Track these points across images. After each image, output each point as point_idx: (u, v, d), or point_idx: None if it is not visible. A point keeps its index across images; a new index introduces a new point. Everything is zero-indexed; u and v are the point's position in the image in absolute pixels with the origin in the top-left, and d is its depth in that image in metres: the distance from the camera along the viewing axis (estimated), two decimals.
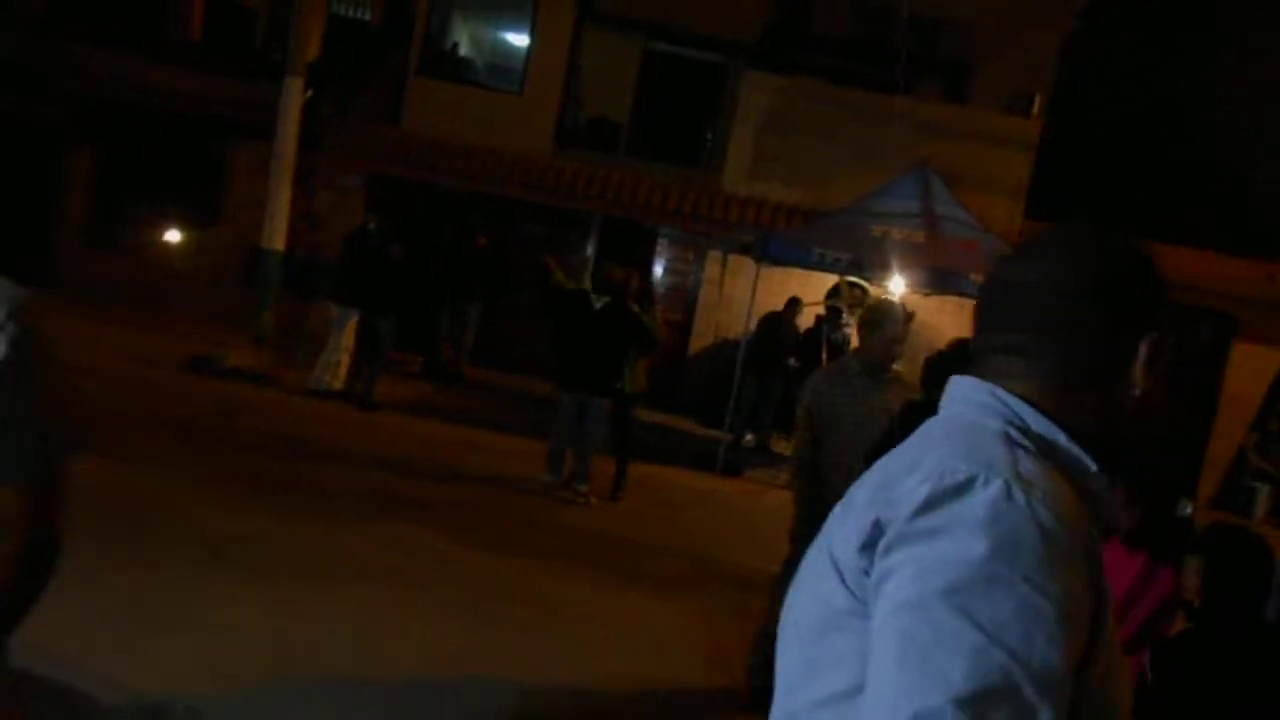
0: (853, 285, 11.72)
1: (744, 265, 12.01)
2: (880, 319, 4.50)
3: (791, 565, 4.44)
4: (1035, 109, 13.48)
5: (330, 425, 8.86)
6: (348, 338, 9.88)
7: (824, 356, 11.10)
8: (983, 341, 1.17)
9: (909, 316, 4.79)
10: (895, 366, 4.60)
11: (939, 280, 9.78)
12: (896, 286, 10.53)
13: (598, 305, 7.61)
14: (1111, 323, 1.11)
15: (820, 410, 4.45)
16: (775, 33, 19.10)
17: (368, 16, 15.44)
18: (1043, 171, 13.13)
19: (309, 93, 11.52)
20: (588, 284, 8.41)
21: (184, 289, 12.67)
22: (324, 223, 12.41)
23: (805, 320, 11.48)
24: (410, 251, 10.12)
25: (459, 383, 11.83)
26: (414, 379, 11.69)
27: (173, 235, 13.45)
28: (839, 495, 3.74)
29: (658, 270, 13.62)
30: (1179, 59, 16.18)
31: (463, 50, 15.54)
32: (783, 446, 11.48)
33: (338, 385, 9.90)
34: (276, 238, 11.10)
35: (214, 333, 11.19)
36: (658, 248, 13.70)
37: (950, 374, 1.21)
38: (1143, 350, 1.12)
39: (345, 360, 9.94)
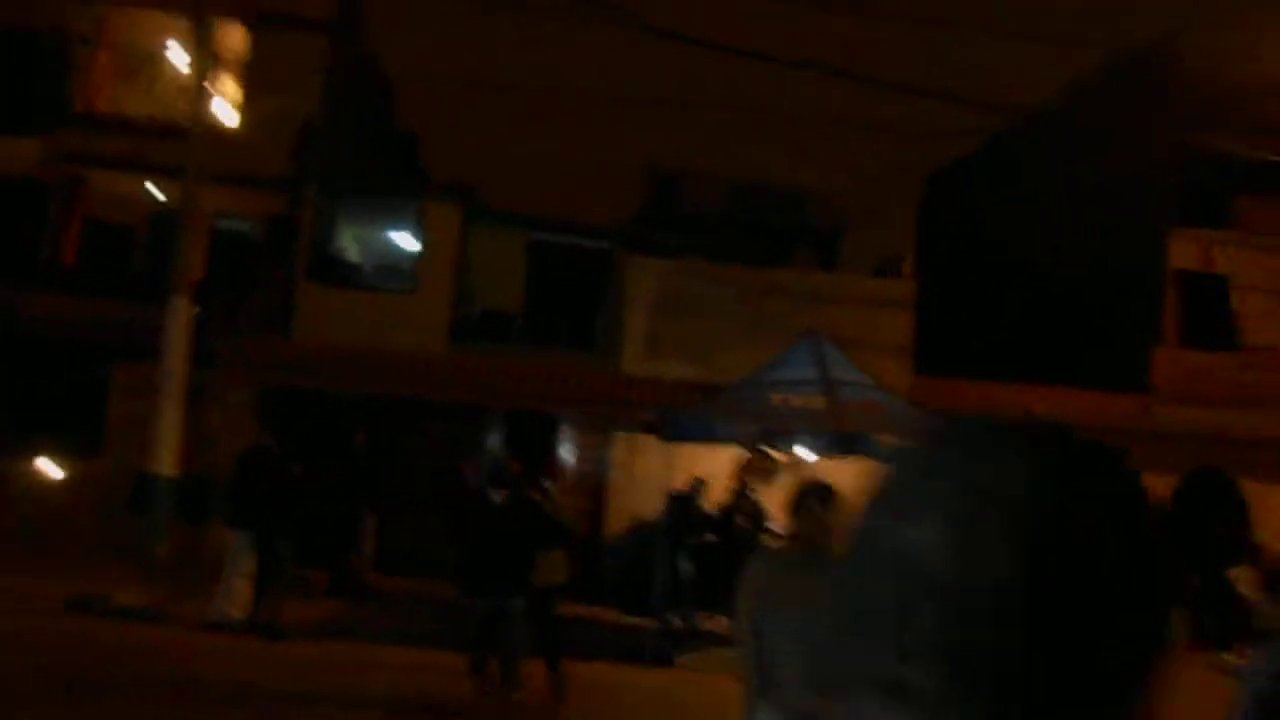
0: (761, 455, 11.87)
1: (650, 444, 12.06)
2: (800, 500, 4.48)
3: None
4: (906, 269, 14.29)
5: (233, 662, 8.24)
6: (248, 563, 9.36)
7: (743, 527, 11.10)
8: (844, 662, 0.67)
9: (828, 493, 4.76)
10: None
11: (844, 443, 9.96)
12: (804, 453, 10.70)
13: (497, 500, 7.44)
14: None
15: (762, 603, 4.35)
16: (650, 215, 20.03)
17: (249, 228, 15.48)
18: (922, 328, 13.81)
19: (196, 309, 11.33)
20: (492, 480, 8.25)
21: (64, 524, 11.90)
22: (216, 442, 11.97)
23: (718, 495, 11.49)
24: (306, 464, 9.82)
25: (366, 594, 11.27)
26: (319, 597, 11.07)
27: (48, 467, 12.72)
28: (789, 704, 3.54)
29: (565, 457, 13.53)
30: (1026, 210, 17.55)
31: (350, 255, 15.68)
32: (712, 625, 11.24)
33: (239, 614, 9.29)
34: (167, 461, 10.61)
35: (100, 569, 10.43)
36: (562, 435, 13.66)
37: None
38: None
39: (246, 587, 9.38)
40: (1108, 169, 15.61)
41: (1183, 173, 14.71)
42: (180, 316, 10.88)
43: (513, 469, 7.61)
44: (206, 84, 11.54)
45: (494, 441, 13.58)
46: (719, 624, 11.23)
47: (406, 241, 15.24)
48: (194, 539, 11.14)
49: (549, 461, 11.18)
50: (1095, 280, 15.64)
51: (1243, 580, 11.14)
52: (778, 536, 11.16)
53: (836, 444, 9.81)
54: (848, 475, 7.25)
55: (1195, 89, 14.01)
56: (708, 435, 9.87)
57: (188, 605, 9.63)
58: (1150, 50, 15.07)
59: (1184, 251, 14.93)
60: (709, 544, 11.30)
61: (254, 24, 15.03)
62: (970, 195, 19.73)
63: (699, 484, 11.33)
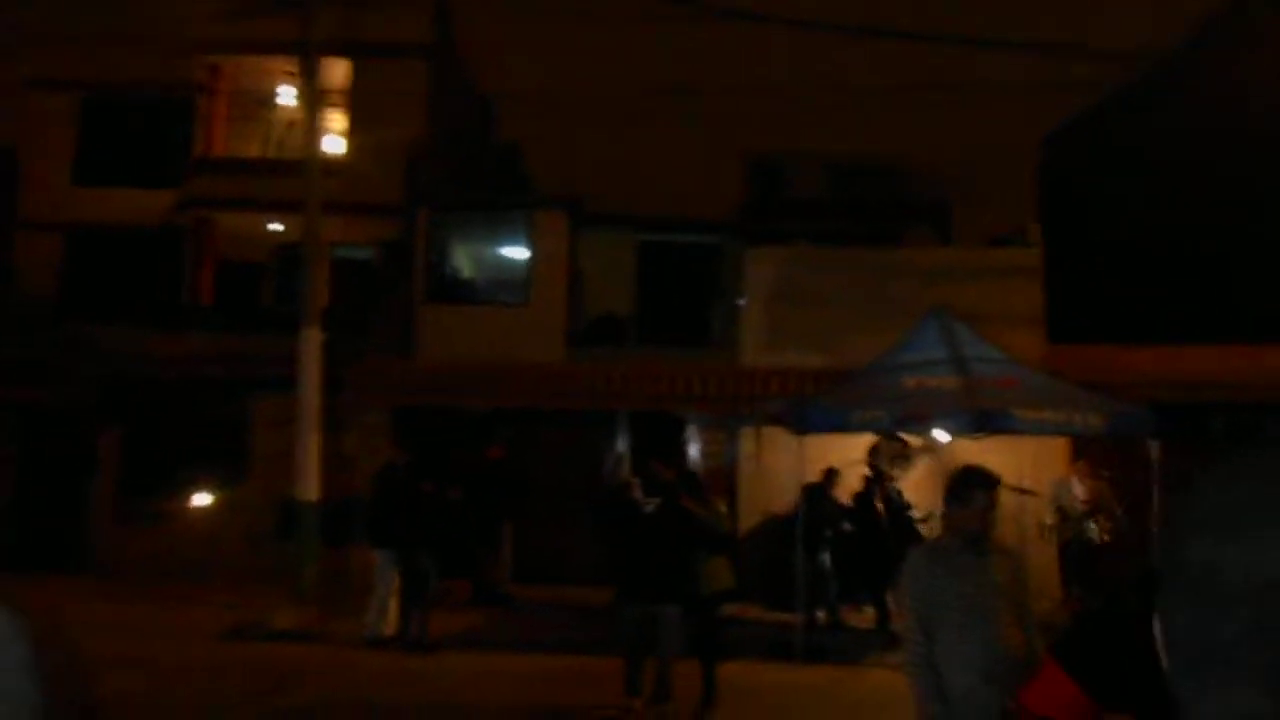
0: (892, 439, 11.53)
1: (778, 437, 11.84)
2: (965, 491, 4.25)
3: None
4: (1033, 236, 13.66)
5: (394, 679, 8.42)
6: (393, 579, 9.58)
7: (881, 516, 10.80)
8: None
9: (994, 482, 4.49)
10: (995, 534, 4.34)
11: (982, 422, 9.56)
12: (941, 436, 10.33)
13: (649, 508, 7.35)
14: None
15: (927, 596, 4.15)
16: (757, 204, 19.78)
17: (368, 255, 15.93)
18: (1053, 295, 13.18)
19: (324, 337, 11.68)
20: (634, 481, 8.18)
21: (218, 554, 12.46)
22: (354, 464, 12.33)
23: (853, 483, 11.20)
24: (439, 480, 10.00)
25: (509, 604, 11.42)
26: (463, 608, 11.27)
27: (202, 499, 13.35)
28: (961, 684, 3.35)
29: (693, 455, 13.43)
30: (1157, 162, 16.59)
31: (465, 273, 15.95)
32: (857, 619, 10.97)
33: (390, 630, 9.52)
34: (310, 487, 10.96)
35: (254, 596, 10.87)
36: (688, 434, 13.56)
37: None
38: None
39: (394, 603, 9.60)
40: (1246, 110, 14.60)
41: None
42: (312, 345, 11.23)
43: (665, 476, 7.53)
44: (317, 119, 11.88)
45: (622, 444, 13.59)
46: (864, 616, 10.96)
47: (518, 254, 15.41)
48: (340, 560, 11.50)
49: (685, 466, 11.05)
50: (1238, 231, 14.64)
51: None
52: (919, 522, 10.81)
53: (974, 423, 9.42)
54: (988, 454, 6.91)
55: None
56: (839, 424, 9.60)
57: (340, 624, 9.92)
58: None
59: None
60: (846, 535, 11.03)
61: (356, 56, 15.45)
62: (1096, 152, 18.77)
63: (832, 474, 11.07)
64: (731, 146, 21.84)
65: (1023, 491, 10.20)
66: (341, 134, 16.18)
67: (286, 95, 16.81)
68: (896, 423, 9.52)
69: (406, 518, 9.43)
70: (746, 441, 12.87)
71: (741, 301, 13.93)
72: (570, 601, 11.35)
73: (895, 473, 11.47)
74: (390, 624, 9.57)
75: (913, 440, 11.44)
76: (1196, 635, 0.54)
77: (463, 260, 16.18)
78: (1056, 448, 11.66)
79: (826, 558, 10.84)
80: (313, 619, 10.22)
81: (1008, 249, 13.81)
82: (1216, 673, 0.50)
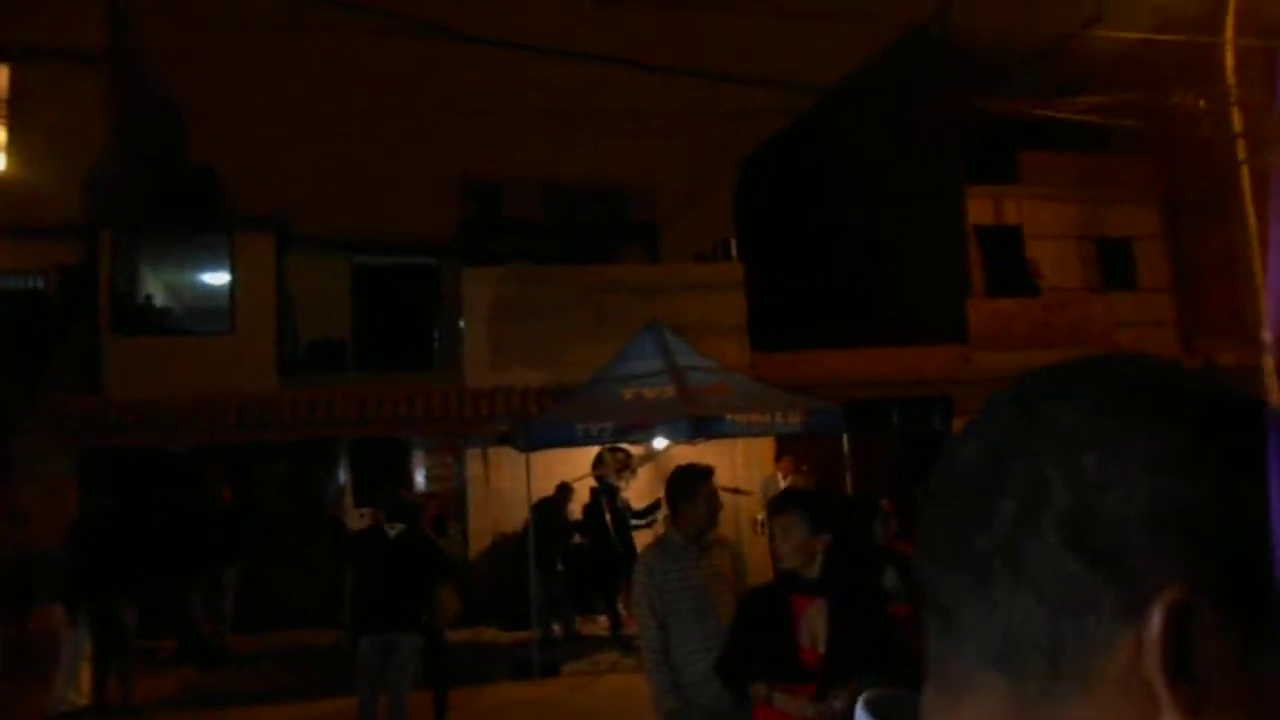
0: (614, 451, 11.90)
1: (505, 456, 11.91)
2: (689, 486, 4.54)
3: None
4: (733, 252, 14.65)
5: None
6: (85, 642, 8.62)
7: (610, 526, 11.11)
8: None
9: (709, 473, 4.84)
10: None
11: (698, 428, 10.12)
12: (660, 443, 10.81)
13: (392, 534, 7.14)
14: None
15: (660, 591, 4.38)
16: (474, 226, 19.77)
17: (42, 284, 14.28)
18: (753, 307, 14.19)
19: None
20: (354, 512, 7.94)
21: None
22: (31, 518, 10.97)
23: (583, 497, 11.45)
24: (145, 524, 9.16)
25: (225, 659, 10.61)
26: (169, 666, 10.34)
27: None
28: (695, 673, 3.64)
29: (419, 480, 13.16)
30: (836, 184, 18.34)
31: (159, 300, 14.71)
32: (591, 628, 11.21)
33: (83, 701, 8.56)
34: None
35: None
36: (414, 459, 13.28)
37: None
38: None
39: (86, 669, 8.64)
40: (905, 137, 16.51)
41: (972, 134, 15.73)
42: None
43: (413, 502, 7.33)
44: None
45: (343, 475, 13.06)
46: (598, 625, 11.23)
47: (219, 279, 14.42)
48: (16, 626, 10.19)
49: (406, 489, 10.79)
50: (908, 243, 16.51)
51: None
52: (650, 517, 11.21)
53: (691, 429, 9.95)
54: (703, 457, 7.34)
55: (976, 53, 14.99)
56: (564, 439, 9.80)
57: (24, 699, 8.80)
58: (930, 21, 16.03)
59: (980, 207, 15.97)
60: (577, 548, 11.27)
61: (18, 60, 13.85)
62: (782, 175, 20.45)
63: (564, 489, 11.27)
64: (448, 168, 21.69)
65: (736, 491, 10.88)
66: (2, 147, 14.41)
67: None
68: (619, 433, 9.86)
69: (110, 569, 8.54)
70: (473, 463, 12.82)
71: (461, 323, 13.87)
72: (298, 647, 10.74)
73: (620, 483, 11.85)
74: (83, 694, 8.60)
75: (634, 450, 11.88)
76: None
77: (155, 287, 14.91)
78: (763, 447, 12.55)
79: (560, 571, 11.02)
80: None
81: (712, 264, 14.71)
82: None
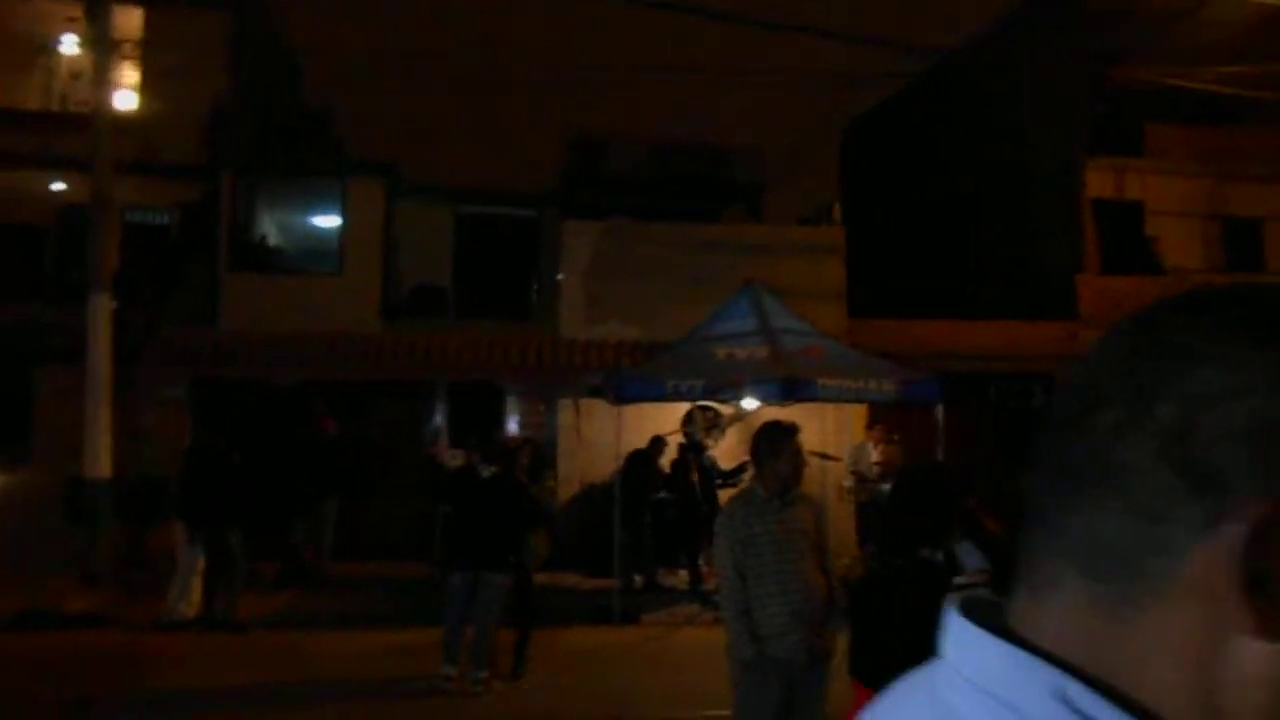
0: (704, 409, 11.95)
1: (596, 408, 12.06)
2: (775, 443, 4.56)
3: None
4: (836, 215, 14.43)
5: (197, 660, 8.08)
6: (198, 558, 9.15)
7: (697, 482, 11.20)
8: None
9: (795, 430, 4.84)
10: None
11: (789, 390, 10.07)
12: (750, 404, 10.80)
13: (485, 475, 7.34)
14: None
15: (742, 541, 4.42)
16: (577, 179, 19.89)
17: (166, 220, 14.97)
18: (853, 272, 13.98)
19: (115, 306, 10.94)
20: (450, 453, 8.17)
21: (1, 539, 11.47)
22: (151, 439, 11.63)
23: (670, 453, 11.55)
24: (253, 454, 9.61)
25: (324, 584, 11.12)
26: (272, 589, 10.89)
27: None
28: (773, 625, 3.68)
29: (512, 426, 13.45)
30: (948, 150, 17.82)
31: (273, 240, 15.27)
32: (673, 581, 11.35)
33: (191, 612, 9.10)
34: (101, 464, 10.29)
35: (45, 580, 10.11)
36: (507, 404, 13.57)
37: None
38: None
39: (198, 584, 9.18)
40: (1023, 104, 15.90)
41: (1095, 104, 15.06)
42: (101, 314, 10.52)
43: (507, 446, 7.53)
44: (107, 68, 11.06)
45: (440, 416, 13.44)
46: (679, 579, 11.37)
47: (330, 222, 14.88)
48: (136, 541, 10.86)
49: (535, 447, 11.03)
50: (1018, 214, 15.98)
51: None
52: (734, 487, 11.27)
53: (782, 391, 9.91)
54: (793, 420, 7.36)
55: (1105, 20, 14.30)
56: (655, 394, 9.88)
57: (137, 608, 9.41)
58: None
59: (1100, 180, 15.33)
60: (662, 501, 11.40)
61: (150, 3, 14.42)
62: (892, 140, 19.94)
63: (658, 442, 11.37)
64: (555, 121, 21.85)
65: (825, 457, 10.82)
66: (133, 88, 15.07)
67: (68, 43, 15.50)
68: (710, 391, 9.89)
69: (220, 494, 9.03)
70: (565, 412, 13.03)
71: (560, 275, 14.03)
72: (390, 577, 11.17)
73: (709, 441, 11.90)
74: (193, 605, 9.15)
75: (723, 409, 11.89)
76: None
77: (270, 227, 15.47)
78: (855, 414, 12.42)
79: (646, 523, 11.16)
80: (108, 602, 9.65)
81: (814, 227, 14.52)
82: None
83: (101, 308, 10.54)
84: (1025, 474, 0.60)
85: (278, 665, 8.00)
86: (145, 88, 14.89)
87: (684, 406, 11.15)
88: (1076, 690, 0.52)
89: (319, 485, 11.21)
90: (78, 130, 12.04)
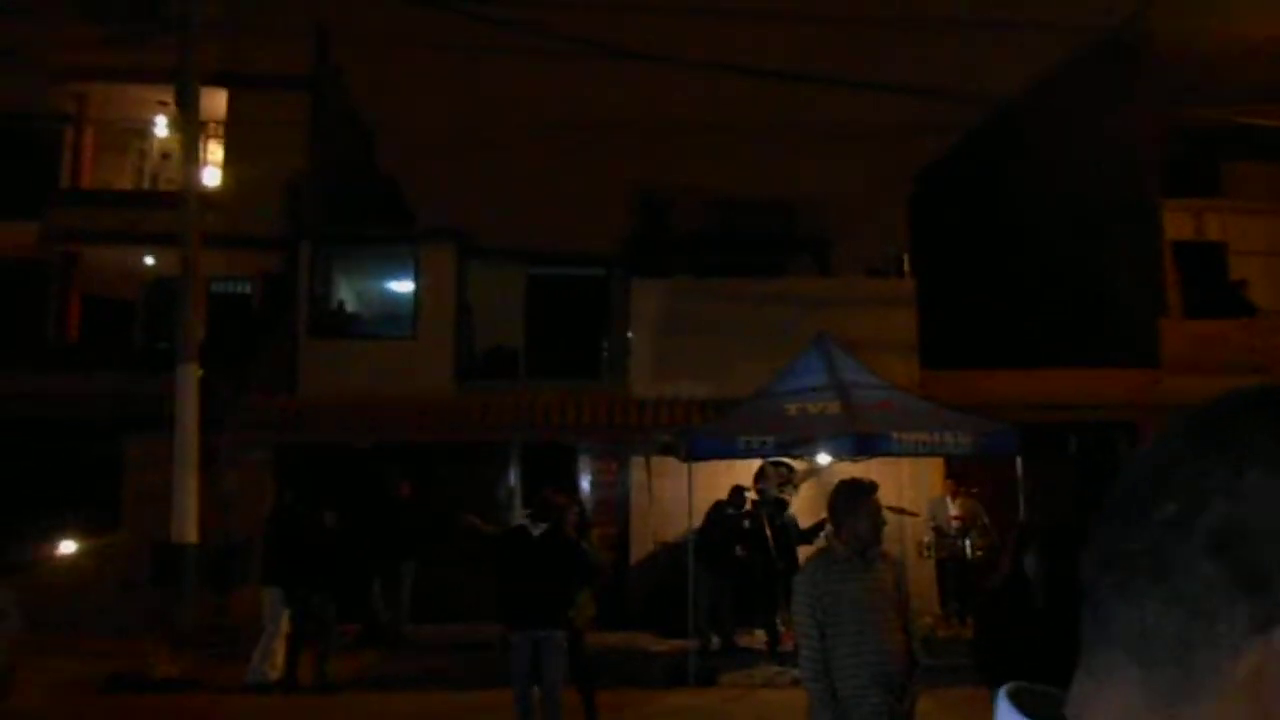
0: (776, 465, 11.83)
1: (667, 466, 12.03)
2: (854, 500, 4.50)
3: None
4: (905, 267, 14.31)
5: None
6: (282, 621, 9.31)
7: (770, 540, 11.04)
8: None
9: (874, 488, 4.77)
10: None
11: (862, 445, 9.94)
12: (823, 459, 10.68)
13: (536, 533, 7.38)
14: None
15: (822, 601, 4.35)
16: (644, 238, 20.11)
17: (248, 289, 15.52)
18: (925, 323, 13.82)
19: (201, 374, 11.32)
20: (520, 513, 8.23)
21: (89, 603, 11.82)
22: (234, 505, 11.93)
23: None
24: (340, 516, 9.81)
25: (402, 645, 11.20)
26: (352, 649, 10.99)
27: (68, 546, 12.67)
28: (852, 687, 3.62)
29: (584, 486, 13.48)
30: (1017, 199, 17.62)
31: (350, 306, 15.69)
32: (749, 641, 11.16)
33: (275, 675, 9.23)
34: (188, 529, 10.57)
35: (130, 645, 10.37)
36: (580, 464, 13.62)
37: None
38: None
39: (281, 646, 9.33)
40: (1094, 150, 15.67)
41: (1168, 145, 14.78)
42: (189, 383, 10.89)
43: (555, 503, 7.57)
44: (195, 148, 11.60)
45: (513, 478, 13.54)
46: (756, 639, 11.17)
47: (404, 286, 15.26)
48: (220, 605, 11.08)
49: (578, 501, 11.07)
50: (1093, 260, 15.66)
51: None
52: (813, 543, 11.09)
53: (855, 445, 9.79)
54: (869, 475, 7.24)
55: (1173, 61, 14.08)
56: (727, 451, 9.84)
57: (222, 670, 9.57)
58: (1122, 29, 15.17)
59: (1178, 222, 14.97)
60: (740, 558, 11.24)
61: (234, 85, 15.13)
62: (960, 188, 19.80)
63: (739, 493, 11.26)
64: (620, 181, 22.16)
65: (902, 512, 10.61)
66: (217, 165, 15.77)
67: (160, 126, 16.32)
68: (782, 447, 9.81)
69: (308, 556, 9.21)
70: (637, 471, 13.02)
71: (629, 334, 14.13)
72: (464, 639, 11.20)
73: (785, 496, 11.75)
74: (276, 667, 9.28)
75: (797, 464, 11.77)
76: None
77: (347, 294, 15.92)
78: (931, 468, 12.18)
79: (726, 583, 11.01)
80: (194, 666, 9.84)
81: (883, 279, 14.42)
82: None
83: (189, 375, 10.91)
84: (1082, 563, 0.61)
85: None
86: (229, 164, 15.57)
87: (755, 464, 11.05)
88: None
89: (395, 548, 11.36)
90: (167, 207, 12.61)
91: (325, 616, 9.17)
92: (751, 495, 11.46)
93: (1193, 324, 14.16)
